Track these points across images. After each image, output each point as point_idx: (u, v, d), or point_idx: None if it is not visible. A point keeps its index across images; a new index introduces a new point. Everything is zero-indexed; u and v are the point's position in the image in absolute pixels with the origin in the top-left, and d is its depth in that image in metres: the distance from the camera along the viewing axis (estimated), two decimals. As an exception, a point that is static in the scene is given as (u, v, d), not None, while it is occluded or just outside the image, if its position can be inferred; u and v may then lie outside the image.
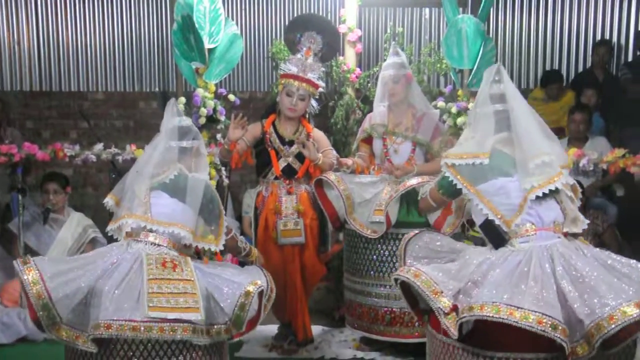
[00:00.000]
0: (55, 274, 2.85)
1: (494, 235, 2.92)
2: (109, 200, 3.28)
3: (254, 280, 3.05)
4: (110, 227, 3.18)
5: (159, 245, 3.04)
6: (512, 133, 2.94)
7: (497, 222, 2.87)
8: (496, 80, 3.02)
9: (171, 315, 2.78)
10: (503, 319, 2.49)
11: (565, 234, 2.89)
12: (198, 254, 3.39)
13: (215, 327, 2.93)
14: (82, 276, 2.88)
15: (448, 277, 2.80)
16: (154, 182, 3.13)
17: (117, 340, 2.81)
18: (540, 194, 2.84)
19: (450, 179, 2.98)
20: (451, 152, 3.03)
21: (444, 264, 2.95)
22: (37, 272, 2.81)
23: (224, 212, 3.24)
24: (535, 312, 2.47)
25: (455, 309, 2.68)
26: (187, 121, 3.30)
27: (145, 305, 2.77)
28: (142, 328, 2.74)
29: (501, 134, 2.98)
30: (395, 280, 2.95)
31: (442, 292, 2.72)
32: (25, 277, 2.80)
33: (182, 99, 4.90)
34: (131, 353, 2.83)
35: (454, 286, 2.75)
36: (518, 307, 2.50)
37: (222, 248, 3.19)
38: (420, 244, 3.09)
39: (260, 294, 3.05)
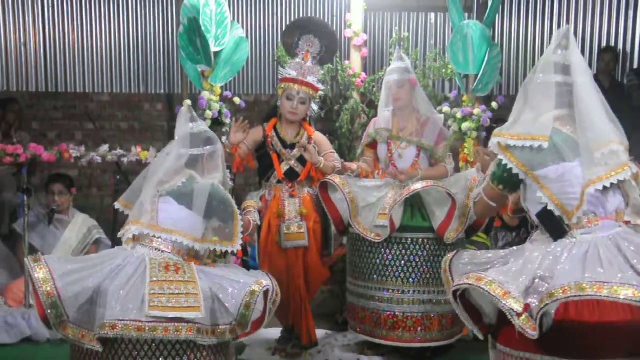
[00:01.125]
0: (65, 273, 2.88)
1: (554, 226, 2.62)
2: (118, 206, 3.35)
3: (259, 280, 3.04)
4: (121, 233, 3.19)
5: (162, 251, 3.06)
6: (573, 111, 2.60)
7: (557, 212, 2.59)
8: (562, 45, 2.68)
9: (172, 314, 2.79)
10: (591, 295, 2.25)
11: (627, 223, 2.62)
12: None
13: (220, 327, 2.94)
14: (90, 276, 2.90)
15: (511, 277, 2.51)
16: (162, 189, 3.14)
17: (122, 339, 2.83)
18: (608, 185, 2.55)
19: (505, 164, 2.62)
20: (504, 130, 2.66)
21: (500, 267, 2.66)
22: (47, 270, 2.84)
23: (238, 211, 3.22)
24: (625, 284, 2.23)
25: (527, 308, 2.41)
26: (200, 126, 3.29)
27: (146, 305, 2.79)
28: (147, 328, 2.77)
29: (560, 111, 2.64)
30: (454, 293, 2.67)
31: (510, 293, 2.43)
32: (36, 275, 2.82)
33: (188, 102, 4.91)
34: (136, 353, 2.86)
35: (520, 286, 2.47)
36: (605, 282, 2.24)
37: (239, 248, 3.19)
38: (463, 261, 2.82)
39: (266, 293, 3.05)
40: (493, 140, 2.67)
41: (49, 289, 2.80)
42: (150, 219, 3.09)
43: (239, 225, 3.19)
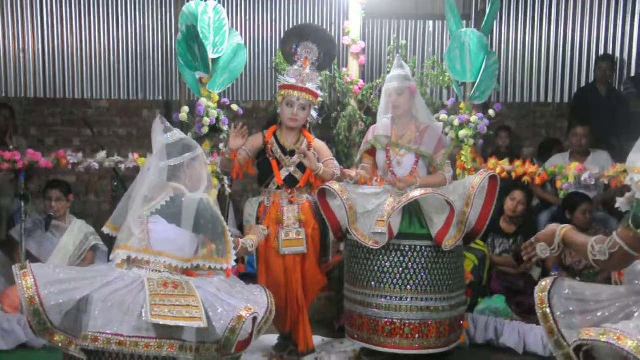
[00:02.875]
0: (51, 282, 2.88)
1: None
2: (107, 231, 3.31)
3: (247, 306, 3.00)
4: (112, 256, 3.17)
5: (159, 271, 3.05)
6: None
7: None
8: None
9: (172, 322, 2.79)
10: None
11: None
12: None
13: (206, 344, 2.94)
14: (78, 288, 2.90)
15: None
16: (148, 209, 3.10)
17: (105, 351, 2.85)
18: None
19: None
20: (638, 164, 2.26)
21: (624, 317, 2.30)
22: (32, 278, 2.85)
23: (227, 228, 3.18)
24: None
25: None
26: (175, 136, 3.22)
27: (149, 312, 2.79)
28: (129, 342, 2.79)
29: None
30: (577, 350, 2.31)
31: None
32: (21, 282, 2.84)
33: (186, 109, 4.92)
34: None
35: None
36: None
37: (234, 264, 3.15)
38: (565, 293, 2.49)
39: (254, 319, 3.02)
40: (630, 177, 2.28)
41: (31, 296, 2.81)
42: (140, 242, 3.07)
43: (231, 241, 3.15)
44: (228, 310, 2.96)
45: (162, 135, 3.21)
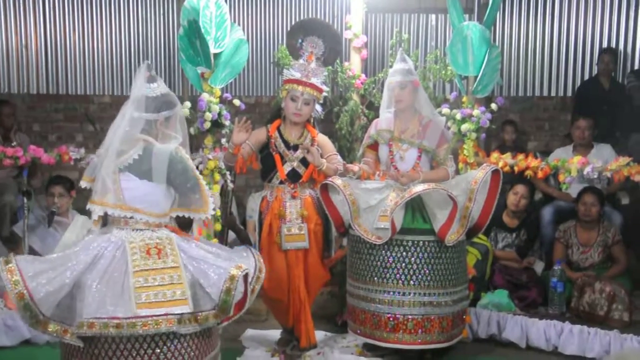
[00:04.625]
0: (36, 273, 2.87)
1: None
2: (84, 184, 3.23)
3: (237, 264, 3.01)
4: (87, 206, 3.12)
5: (141, 230, 3.02)
6: None
7: None
8: None
9: (160, 311, 2.80)
10: None
11: None
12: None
13: (203, 313, 2.93)
14: (65, 271, 2.88)
15: None
16: (120, 164, 3.04)
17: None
18: None
19: None
20: None
21: None
22: (18, 272, 2.84)
23: (201, 177, 3.13)
24: None
25: None
26: (157, 89, 3.14)
27: (133, 303, 2.79)
28: (126, 325, 2.78)
29: None
30: None
31: None
32: (7, 278, 2.82)
33: (188, 104, 4.91)
34: (115, 346, 2.87)
35: None
36: None
37: (213, 213, 3.13)
38: None
39: (246, 277, 3.02)
40: None
41: (19, 291, 2.80)
42: (116, 199, 3.02)
43: (207, 190, 3.12)
44: (219, 273, 2.95)
45: (145, 84, 3.13)
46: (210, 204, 3.10)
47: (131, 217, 3.02)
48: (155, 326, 2.80)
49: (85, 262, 2.90)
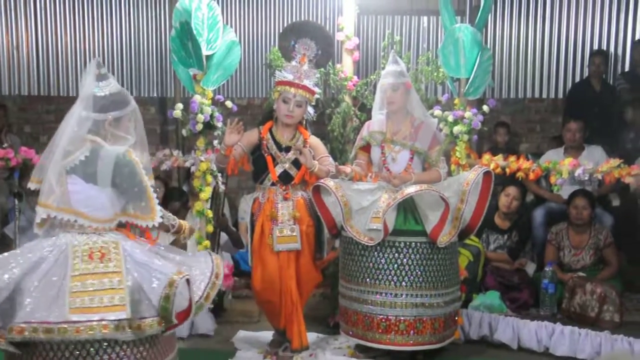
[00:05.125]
0: None
1: None
2: (34, 186, 3.08)
3: (179, 270, 2.87)
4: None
5: (87, 233, 2.91)
6: None
7: None
8: None
9: (95, 317, 2.70)
10: None
11: None
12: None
13: (147, 320, 2.81)
14: (3, 275, 2.77)
15: None
16: (66, 165, 2.91)
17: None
18: None
19: None
20: None
21: None
22: None
23: (149, 184, 2.96)
24: None
25: None
26: (105, 88, 2.99)
27: (67, 307, 2.69)
28: (57, 330, 2.68)
29: None
30: None
31: None
32: None
33: (180, 105, 4.91)
34: (52, 354, 2.77)
35: None
36: None
37: (160, 221, 2.97)
38: None
39: (189, 282, 2.89)
40: None
41: None
42: (60, 201, 2.90)
43: (155, 197, 2.96)
44: (160, 279, 2.83)
45: (94, 82, 2.98)
46: (157, 211, 2.96)
47: (75, 221, 2.90)
48: (89, 332, 2.69)
49: (27, 266, 2.80)
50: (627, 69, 7.15)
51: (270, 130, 4.33)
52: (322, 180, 4.17)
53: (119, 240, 2.94)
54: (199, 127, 4.82)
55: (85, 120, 2.95)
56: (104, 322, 2.71)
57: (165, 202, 5.49)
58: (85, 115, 2.95)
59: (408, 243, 4.11)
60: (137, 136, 3.04)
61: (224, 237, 5.58)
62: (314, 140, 4.38)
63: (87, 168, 2.91)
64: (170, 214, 3.24)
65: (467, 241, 4.97)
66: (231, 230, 5.62)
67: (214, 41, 4.76)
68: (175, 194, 5.59)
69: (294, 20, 7.03)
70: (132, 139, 3.00)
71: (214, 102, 4.89)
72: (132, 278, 2.84)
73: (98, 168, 2.89)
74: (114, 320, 2.73)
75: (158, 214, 2.96)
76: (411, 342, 4.10)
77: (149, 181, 2.97)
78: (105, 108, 2.96)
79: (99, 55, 7.27)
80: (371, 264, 4.13)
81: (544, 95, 7.43)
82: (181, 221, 3.31)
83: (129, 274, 2.84)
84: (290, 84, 4.22)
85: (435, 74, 5.25)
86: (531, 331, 4.52)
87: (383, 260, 4.11)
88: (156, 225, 2.97)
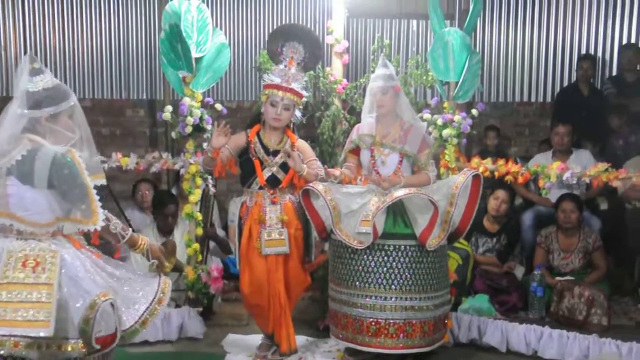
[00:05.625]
0: None
1: None
2: None
3: (102, 292, 2.68)
4: None
5: (26, 239, 2.74)
6: None
7: None
8: None
9: (17, 331, 2.53)
10: None
11: None
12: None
13: (71, 341, 2.63)
14: None
15: None
16: (3, 165, 2.73)
17: None
18: None
19: None
20: None
21: None
22: None
23: (91, 185, 2.75)
24: None
25: None
26: (39, 84, 2.81)
27: None
28: None
29: None
30: None
31: None
32: None
33: (169, 108, 4.90)
34: None
35: None
36: None
37: (103, 224, 2.76)
38: None
39: (113, 306, 2.71)
40: None
41: None
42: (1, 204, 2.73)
43: (97, 200, 2.75)
44: (85, 299, 2.64)
45: (27, 77, 2.80)
46: (99, 214, 2.75)
47: (11, 225, 2.73)
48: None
49: None
50: (614, 73, 7.19)
51: (257, 134, 4.32)
52: (311, 184, 4.17)
53: (57, 249, 2.75)
54: (189, 129, 4.81)
55: (20, 118, 2.75)
56: (16, 339, 2.53)
57: (154, 205, 5.48)
58: (20, 113, 2.76)
59: (397, 246, 4.11)
60: (81, 133, 2.84)
61: (213, 243, 5.58)
62: (302, 144, 4.38)
63: (23, 168, 2.72)
64: (119, 223, 3.00)
65: (456, 244, 4.97)
66: (220, 238, 5.61)
67: (203, 44, 4.75)
68: (167, 197, 5.56)
69: (283, 23, 7.03)
70: (75, 137, 2.81)
71: (204, 105, 4.89)
72: (61, 293, 2.64)
73: (35, 168, 2.70)
74: (32, 337, 2.54)
75: (100, 217, 2.76)
76: (401, 345, 4.10)
77: (93, 182, 2.78)
78: (39, 104, 2.77)
79: (88, 57, 7.24)
80: (360, 267, 4.13)
81: (533, 99, 7.46)
82: (141, 236, 3.10)
83: (60, 289, 2.65)
84: (277, 87, 4.21)
85: (424, 77, 5.26)
86: (520, 334, 4.54)
87: (372, 264, 4.11)
88: (98, 229, 2.77)
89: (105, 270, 2.88)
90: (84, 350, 2.65)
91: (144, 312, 2.86)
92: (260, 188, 4.27)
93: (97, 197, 2.77)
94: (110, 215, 2.94)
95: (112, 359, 2.90)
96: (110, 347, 2.77)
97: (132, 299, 2.87)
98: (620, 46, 7.13)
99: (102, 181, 2.86)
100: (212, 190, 5.20)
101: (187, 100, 4.78)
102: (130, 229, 3.05)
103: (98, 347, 2.67)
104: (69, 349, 2.63)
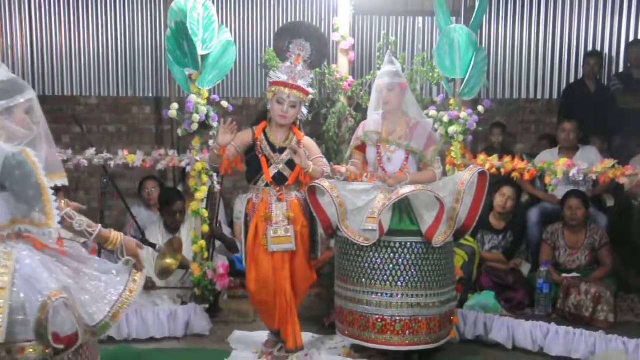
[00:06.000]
0: None
1: None
2: None
3: (54, 291, 2.56)
4: None
5: None
6: None
7: None
8: None
9: None
10: None
11: None
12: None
13: (18, 345, 2.55)
14: None
15: None
16: None
17: None
18: None
19: None
20: None
21: None
22: None
23: (46, 186, 2.61)
24: None
25: None
26: None
27: None
28: None
29: None
30: None
31: None
32: None
33: (175, 105, 4.91)
34: None
35: None
36: None
37: (58, 226, 2.65)
38: None
39: (66, 305, 2.59)
40: None
41: None
42: None
43: (52, 201, 2.62)
44: (39, 300, 2.54)
45: None
46: (54, 217, 2.63)
47: None
48: None
49: None
50: (621, 69, 7.17)
51: (264, 131, 4.32)
52: (317, 181, 4.17)
53: (12, 251, 2.64)
54: (194, 126, 4.82)
55: None
56: None
57: (161, 202, 5.49)
58: None
59: (403, 243, 4.11)
60: (40, 131, 2.70)
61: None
62: (308, 141, 4.38)
63: None
64: (84, 220, 2.85)
65: (462, 241, 4.98)
66: (226, 238, 5.62)
67: (209, 41, 4.76)
68: (174, 193, 5.57)
69: (289, 20, 7.03)
70: (32, 134, 2.67)
71: (210, 102, 4.89)
72: (16, 296, 2.54)
73: None
74: None
75: (55, 220, 2.63)
76: (407, 342, 4.10)
77: (52, 182, 2.65)
78: None
79: (94, 54, 7.26)
80: (367, 264, 4.13)
81: (539, 96, 7.45)
82: (113, 232, 2.95)
83: (14, 292, 2.55)
84: (284, 84, 4.21)
85: (430, 74, 5.27)
86: (526, 331, 4.53)
87: (379, 261, 4.11)
88: (52, 232, 2.65)
89: (71, 267, 2.77)
90: (48, 351, 2.59)
91: (114, 305, 2.77)
92: (267, 185, 4.28)
93: (54, 198, 2.63)
94: (73, 213, 2.81)
95: (95, 352, 2.86)
96: (76, 345, 2.68)
97: (101, 293, 2.77)
98: (627, 42, 7.11)
99: (63, 181, 2.74)
100: (218, 187, 5.21)
101: (193, 98, 4.79)
102: (99, 225, 2.89)
103: (62, 347, 2.60)
104: (31, 350, 2.57)
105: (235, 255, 5.66)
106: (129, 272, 2.88)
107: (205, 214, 5.03)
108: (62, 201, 2.86)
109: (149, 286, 5.10)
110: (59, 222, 2.68)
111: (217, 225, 5.40)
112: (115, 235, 2.93)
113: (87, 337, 2.74)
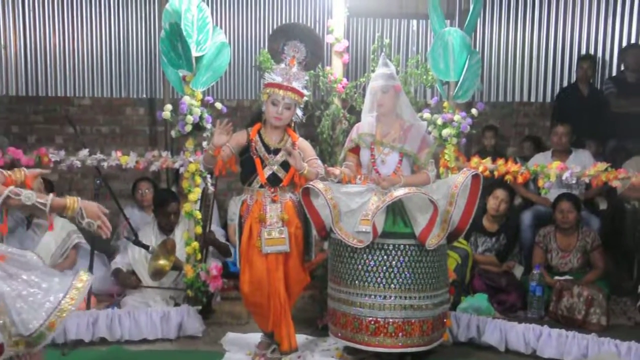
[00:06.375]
0: None
1: None
2: None
3: None
4: None
5: None
6: None
7: None
8: None
9: None
10: None
11: None
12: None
13: None
14: None
15: None
16: None
17: None
18: None
19: None
20: None
21: None
22: None
23: None
24: None
25: None
26: None
27: None
28: None
29: None
30: None
31: None
32: None
33: (169, 106, 4.90)
34: None
35: None
36: None
37: None
38: None
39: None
40: None
41: None
42: None
43: None
44: None
45: None
46: None
47: None
48: None
49: None
50: (614, 73, 7.20)
51: (258, 133, 4.32)
52: (311, 183, 4.17)
53: None
54: (188, 128, 4.81)
55: None
56: None
57: (156, 203, 5.47)
58: None
59: (397, 245, 4.11)
60: None
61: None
62: (303, 143, 4.38)
63: None
64: (32, 193, 2.72)
65: (456, 244, 4.99)
66: (219, 243, 5.61)
67: (203, 42, 4.76)
68: (169, 195, 5.56)
69: (284, 22, 7.03)
70: None
71: (203, 104, 4.89)
72: None
73: None
74: None
75: None
76: (400, 344, 4.11)
77: None
78: None
79: (88, 55, 7.25)
80: (360, 266, 4.14)
81: (532, 99, 7.47)
82: (68, 197, 2.83)
83: None
84: (279, 86, 4.21)
85: (424, 77, 5.27)
86: (519, 333, 4.54)
87: (372, 263, 4.12)
88: None
89: (8, 273, 2.66)
90: None
91: (51, 313, 2.65)
92: (261, 186, 4.28)
93: None
94: (18, 190, 2.69)
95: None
96: (3, 357, 2.57)
97: (38, 301, 2.66)
98: (620, 46, 7.13)
99: None
100: (211, 189, 5.20)
101: (187, 99, 4.78)
102: (51, 195, 2.77)
103: None
104: None
105: (228, 259, 5.65)
106: (71, 279, 2.74)
107: (199, 215, 5.02)
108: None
109: (135, 285, 5.10)
110: (4, 201, 2.54)
111: (210, 231, 5.39)
112: (71, 200, 2.80)
113: (21, 348, 2.62)
